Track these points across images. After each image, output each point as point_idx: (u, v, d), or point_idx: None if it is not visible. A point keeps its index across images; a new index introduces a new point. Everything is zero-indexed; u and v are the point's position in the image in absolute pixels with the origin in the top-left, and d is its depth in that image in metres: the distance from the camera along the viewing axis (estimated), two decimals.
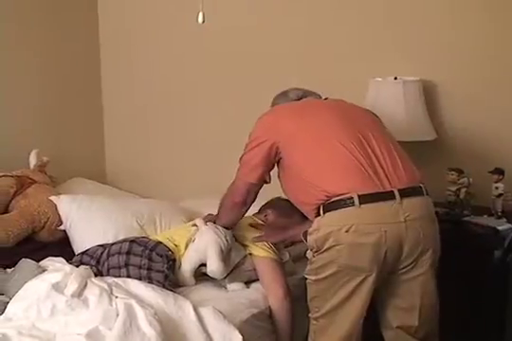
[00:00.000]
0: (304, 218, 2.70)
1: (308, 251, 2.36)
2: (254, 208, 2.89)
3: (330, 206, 2.24)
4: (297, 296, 2.67)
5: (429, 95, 3.13)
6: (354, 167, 2.27)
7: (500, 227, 2.78)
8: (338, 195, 2.22)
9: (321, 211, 2.27)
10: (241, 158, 2.55)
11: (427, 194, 2.32)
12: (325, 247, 2.23)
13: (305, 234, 2.35)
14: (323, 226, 2.25)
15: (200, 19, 2.19)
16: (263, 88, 3.58)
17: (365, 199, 2.19)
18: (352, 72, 3.29)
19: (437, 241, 2.32)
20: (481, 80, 3.10)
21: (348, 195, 2.21)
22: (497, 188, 2.90)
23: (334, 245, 2.21)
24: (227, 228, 2.75)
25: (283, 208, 2.94)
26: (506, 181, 2.91)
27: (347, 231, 2.18)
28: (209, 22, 3.62)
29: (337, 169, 2.30)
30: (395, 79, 3.09)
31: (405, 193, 2.23)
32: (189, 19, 3.41)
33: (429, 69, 3.15)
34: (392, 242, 2.19)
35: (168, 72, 3.93)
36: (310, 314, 2.41)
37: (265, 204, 3.04)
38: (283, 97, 2.72)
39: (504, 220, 2.85)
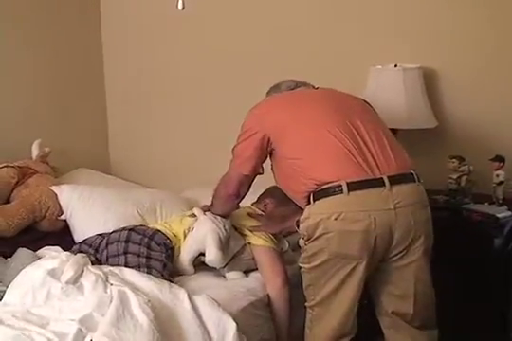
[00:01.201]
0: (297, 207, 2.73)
1: (300, 239, 2.36)
2: (252, 197, 2.91)
3: (319, 193, 2.24)
4: (296, 285, 2.66)
5: (429, 82, 3.11)
6: (343, 155, 2.26)
7: (500, 215, 2.77)
8: (327, 183, 2.22)
9: (311, 199, 2.26)
10: (233, 149, 2.54)
11: (419, 181, 2.30)
12: (316, 235, 2.23)
13: (298, 222, 2.35)
14: (313, 214, 2.25)
15: (180, 5, 2.17)
16: (262, 80, 3.56)
17: (354, 186, 2.19)
18: (352, 60, 3.27)
19: (429, 228, 2.30)
20: (482, 68, 3.08)
21: (337, 183, 2.20)
22: (498, 175, 2.88)
23: (324, 233, 2.21)
24: (225, 217, 2.75)
25: (282, 197, 2.94)
26: (507, 168, 2.89)
27: (336, 219, 2.18)
28: (207, 18, 3.67)
29: (326, 157, 2.29)
30: (395, 66, 3.07)
31: (395, 180, 2.22)
32: (191, 16, 3.45)
33: (429, 56, 3.13)
34: (381, 229, 2.18)
35: (170, 65, 3.93)
36: (306, 303, 2.41)
37: (263, 193, 3.04)
38: (275, 89, 2.72)
39: (505, 207, 2.84)
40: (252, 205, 3.02)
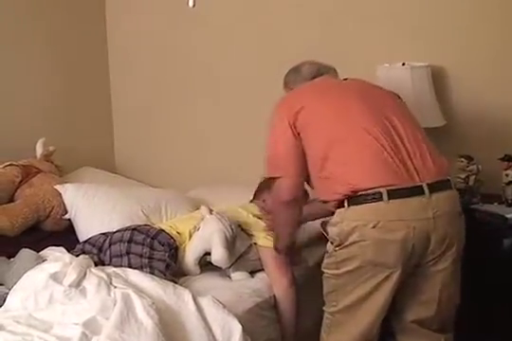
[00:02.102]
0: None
1: (328, 244, 2.25)
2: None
3: (356, 199, 2.13)
4: (301, 286, 2.66)
5: (437, 80, 3.07)
6: (382, 158, 2.14)
7: (509, 215, 2.73)
8: (365, 190, 2.11)
9: (346, 203, 2.15)
10: (267, 152, 2.35)
11: (453, 187, 2.23)
12: (349, 242, 2.13)
13: (324, 224, 2.26)
14: (347, 220, 2.14)
15: (191, 3, 2.15)
16: (269, 80, 3.56)
17: (394, 194, 2.09)
18: (360, 58, 3.24)
19: (462, 236, 2.25)
20: (491, 66, 3.05)
21: (376, 190, 2.10)
22: (507, 175, 2.85)
23: (358, 241, 2.11)
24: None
25: None
26: None
27: (374, 227, 2.09)
28: (213, 17, 3.65)
29: (364, 160, 2.16)
30: (403, 64, 3.03)
31: (434, 188, 2.13)
32: (197, 13, 3.44)
33: (437, 54, 3.10)
34: (419, 237, 2.10)
35: (176, 65, 3.91)
36: (325, 308, 2.33)
37: (258, 188, 3.03)
38: (295, 73, 2.56)
39: None
40: (251, 202, 3.01)
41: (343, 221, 2.15)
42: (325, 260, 2.28)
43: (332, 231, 2.21)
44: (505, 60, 3.01)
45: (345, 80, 2.48)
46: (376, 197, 2.09)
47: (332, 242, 2.22)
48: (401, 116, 2.29)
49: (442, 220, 2.13)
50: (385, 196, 2.09)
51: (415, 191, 2.11)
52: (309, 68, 2.53)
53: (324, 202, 2.28)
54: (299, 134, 2.26)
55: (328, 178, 2.21)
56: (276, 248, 2.58)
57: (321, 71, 2.52)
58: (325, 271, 2.29)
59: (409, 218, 2.10)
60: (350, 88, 2.40)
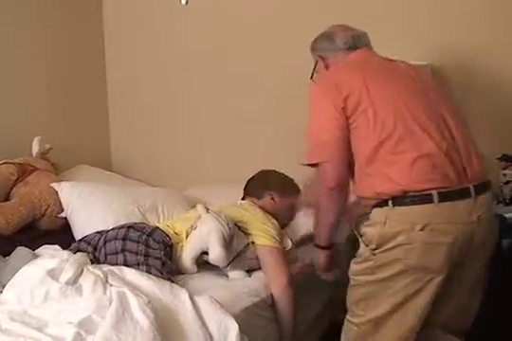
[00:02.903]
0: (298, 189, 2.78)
1: (362, 248, 2.14)
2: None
3: (404, 200, 2.03)
4: (299, 285, 2.65)
5: (437, 80, 3.05)
6: (435, 158, 2.04)
7: (508, 215, 2.71)
8: (415, 191, 2.02)
9: (390, 203, 2.05)
10: (312, 140, 2.20)
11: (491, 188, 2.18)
12: (391, 245, 2.04)
13: (358, 224, 2.18)
14: (392, 221, 2.04)
15: (183, 0, 2.12)
16: (265, 77, 3.57)
17: (443, 197, 2.01)
18: None
19: (496, 239, 2.23)
20: (490, 66, 3.03)
21: (427, 192, 2.01)
22: (505, 175, 2.84)
23: (403, 244, 2.02)
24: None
25: (280, 185, 3.02)
26: None
27: (422, 230, 2.00)
28: (207, 14, 3.63)
29: (417, 160, 2.04)
30: None
31: (479, 190, 2.07)
32: (193, 12, 3.43)
33: (437, 54, 3.08)
34: (465, 240, 2.05)
35: (173, 62, 3.91)
36: (349, 318, 2.23)
37: (256, 185, 3.04)
38: (327, 41, 2.40)
39: None
40: (253, 202, 2.99)
41: (387, 222, 2.05)
42: (357, 266, 2.18)
43: (370, 232, 2.11)
44: (505, 60, 3.00)
45: (392, 60, 2.33)
46: (427, 199, 2.01)
47: (367, 245, 2.11)
48: (453, 112, 2.20)
49: (484, 222, 2.09)
50: (435, 198, 2.01)
51: (463, 194, 2.05)
52: (343, 37, 2.35)
53: (361, 198, 2.18)
54: (347, 119, 2.12)
55: (371, 175, 2.10)
56: (316, 245, 2.38)
57: (356, 42, 2.35)
58: (355, 278, 2.18)
59: (457, 221, 2.03)
60: (403, 76, 2.25)
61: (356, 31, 2.39)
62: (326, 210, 2.25)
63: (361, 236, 2.16)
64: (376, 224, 2.08)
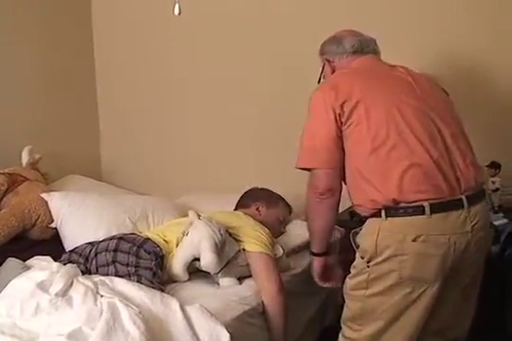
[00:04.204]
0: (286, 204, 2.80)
1: (357, 260, 2.16)
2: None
3: (395, 211, 2.05)
4: (289, 292, 2.64)
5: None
6: (428, 169, 2.05)
7: (496, 222, 2.72)
8: (407, 202, 2.03)
9: (383, 214, 2.06)
10: (305, 144, 2.21)
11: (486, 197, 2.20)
12: (384, 256, 2.05)
13: (354, 234, 2.18)
14: (384, 232, 2.06)
15: (176, 11, 2.13)
16: (256, 85, 3.58)
17: (436, 208, 2.02)
18: None
19: (490, 248, 2.25)
20: (478, 73, 3.06)
21: (419, 203, 2.02)
22: (493, 182, 2.87)
23: (396, 255, 2.04)
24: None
25: (268, 197, 3.05)
26: (503, 175, 2.87)
27: (414, 241, 2.01)
28: (199, 25, 3.64)
29: (409, 170, 2.04)
30: None
31: (472, 200, 2.08)
32: (185, 21, 3.42)
33: (426, 61, 3.09)
34: (459, 251, 2.05)
35: (163, 70, 3.92)
36: (346, 334, 2.23)
37: (245, 197, 3.08)
38: (336, 43, 2.40)
39: (501, 215, 2.81)
40: (242, 211, 3.00)
41: (379, 233, 2.07)
42: (351, 280, 2.18)
43: (364, 242, 2.12)
44: (492, 67, 3.02)
45: (394, 67, 2.34)
46: (418, 211, 2.02)
47: (362, 257, 2.13)
48: (451, 121, 2.20)
49: (478, 233, 2.09)
50: (427, 210, 2.02)
51: (456, 205, 2.05)
52: (351, 41, 2.36)
53: (356, 205, 2.19)
54: (342, 125, 2.13)
55: (364, 182, 2.10)
56: (312, 253, 2.39)
57: (363, 46, 2.36)
58: (351, 293, 2.18)
59: (450, 232, 2.04)
60: (402, 83, 2.24)
61: (365, 37, 2.41)
62: (317, 216, 2.26)
63: (357, 247, 2.17)
64: (370, 235, 2.09)
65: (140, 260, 2.50)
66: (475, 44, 3.05)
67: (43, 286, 2.19)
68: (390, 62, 2.40)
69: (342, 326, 2.26)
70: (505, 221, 2.76)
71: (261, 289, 2.62)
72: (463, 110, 3.01)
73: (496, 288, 2.70)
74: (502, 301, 2.74)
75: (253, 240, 2.72)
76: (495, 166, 2.85)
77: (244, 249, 2.71)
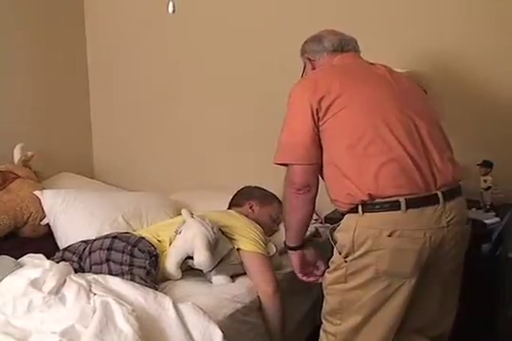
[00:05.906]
0: (280, 202, 2.74)
1: (335, 256, 2.18)
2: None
3: (372, 206, 2.07)
4: (285, 291, 2.66)
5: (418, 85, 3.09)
6: (404, 164, 2.07)
7: (488, 221, 2.75)
8: (383, 197, 2.06)
9: (360, 209, 2.09)
10: (283, 140, 2.23)
11: (462, 193, 2.21)
12: (361, 251, 2.08)
13: (332, 230, 2.21)
14: (361, 227, 2.08)
15: (170, 9, 2.12)
16: (249, 82, 3.57)
17: (411, 203, 2.04)
18: None
19: (467, 244, 2.25)
20: (469, 72, 3.07)
21: (394, 198, 2.05)
22: (485, 181, 2.87)
23: (373, 250, 2.06)
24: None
25: (262, 195, 3.05)
26: (495, 174, 2.88)
27: (390, 236, 2.04)
28: (194, 24, 3.64)
29: (386, 165, 2.07)
30: None
31: (447, 196, 2.10)
32: (179, 22, 3.43)
33: (417, 60, 3.10)
34: (434, 246, 2.08)
35: (155, 69, 3.91)
36: (326, 328, 2.26)
37: (239, 195, 3.09)
38: (316, 42, 2.43)
39: (493, 213, 2.82)
40: (235, 210, 3.01)
41: (356, 228, 2.09)
42: (330, 275, 2.21)
43: (342, 237, 2.15)
44: (483, 66, 3.03)
45: (372, 64, 2.36)
46: (394, 206, 2.05)
47: (340, 252, 2.14)
48: (428, 118, 2.21)
49: (454, 228, 2.12)
50: (403, 205, 2.04)
51: (431, 200, 2.08)
52: (331, 40, 2.39)
53: (334, 200, 2.20)
54: (320, 120, 2.15)
55: (342, 177, 2.12)
56: (285, 245, 2.42)
57: (343, 45, 2.39)
58: (330, 287, 2.21)
59: (425, 227, 2.06)
60: (380, 80, 2.27)
61: (346, 36, 2.43)
62: (294, 210, 2.28)
63: (335, 243, 2.19)
64: (347, 231, 2.12)
65: (134, 258, 2.51)
66: (465, 43, 3.05)
67: (36, 284, 2.19)
68: (383, 62, 2.42)
69: (323, 320, 2.29)
70: (497, 219, 2.77)
71: (257, 289, 2.63)
72: (454, 109, 3.06)
73: (487, 287, 2.71)
74: (492, 300, 2.75)
75: (247, 239, 2.73)
76: (486, 164, 2.86)
77: (238, 248, 2.71)
